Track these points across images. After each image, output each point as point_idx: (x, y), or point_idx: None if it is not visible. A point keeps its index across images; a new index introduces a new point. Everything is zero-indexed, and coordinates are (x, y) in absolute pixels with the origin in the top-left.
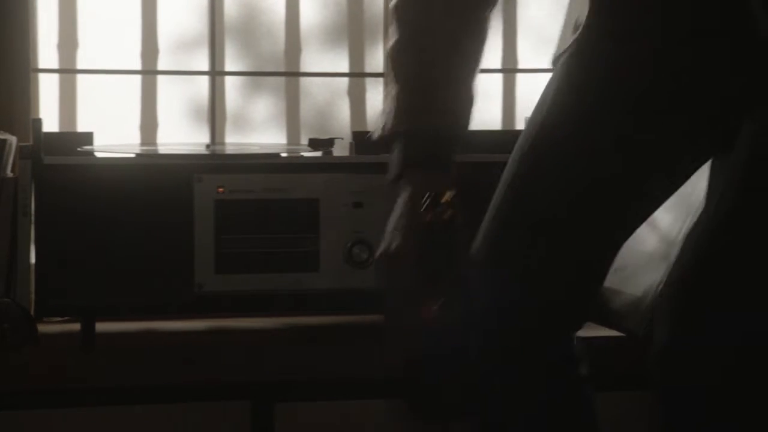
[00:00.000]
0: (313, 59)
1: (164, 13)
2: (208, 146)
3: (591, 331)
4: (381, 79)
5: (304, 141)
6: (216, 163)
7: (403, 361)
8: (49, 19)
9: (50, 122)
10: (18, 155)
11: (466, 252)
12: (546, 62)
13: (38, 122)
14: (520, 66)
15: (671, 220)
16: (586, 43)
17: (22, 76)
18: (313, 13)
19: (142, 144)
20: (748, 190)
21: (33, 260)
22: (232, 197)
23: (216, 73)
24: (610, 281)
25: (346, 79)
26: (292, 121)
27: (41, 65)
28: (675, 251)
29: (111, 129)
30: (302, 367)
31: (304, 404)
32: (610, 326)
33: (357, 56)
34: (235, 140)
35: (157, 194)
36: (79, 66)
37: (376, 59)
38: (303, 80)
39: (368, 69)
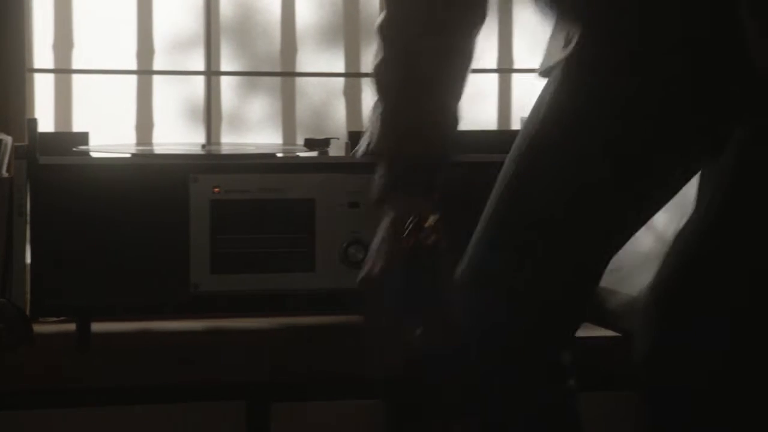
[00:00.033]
0: (308, 59)
1: (160, 13)
2: (203, 146)
3: (587, 331)
4: None
5: (300, 141)
6: (212, 163)
7: (401, 363)
8: (44, 19)
9: (46, 122)
10: (13, 155)
11: (449, 277)
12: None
13: (34, 122)
14: (516, 66)
15: (667, 221)
16: (581, 50)
17: (18, 76)
18: (309, 13)
19: (138, 144)
20: (736, 196)
21: (28, 260)
22: (227, 197)
23: (212, 73)
24: (606, 281)
25: (341, 79)
26: (288, 121)
27: (37, 65)
28: None
29: (106, 129)
30: (298, 367)
31: (300, 404)
32: (606, 326)
33: (353, 56)
34: (231, 140)
35: (152, 194)
36: (75, 66)
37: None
38: (299, 80)
39: (364, 69)
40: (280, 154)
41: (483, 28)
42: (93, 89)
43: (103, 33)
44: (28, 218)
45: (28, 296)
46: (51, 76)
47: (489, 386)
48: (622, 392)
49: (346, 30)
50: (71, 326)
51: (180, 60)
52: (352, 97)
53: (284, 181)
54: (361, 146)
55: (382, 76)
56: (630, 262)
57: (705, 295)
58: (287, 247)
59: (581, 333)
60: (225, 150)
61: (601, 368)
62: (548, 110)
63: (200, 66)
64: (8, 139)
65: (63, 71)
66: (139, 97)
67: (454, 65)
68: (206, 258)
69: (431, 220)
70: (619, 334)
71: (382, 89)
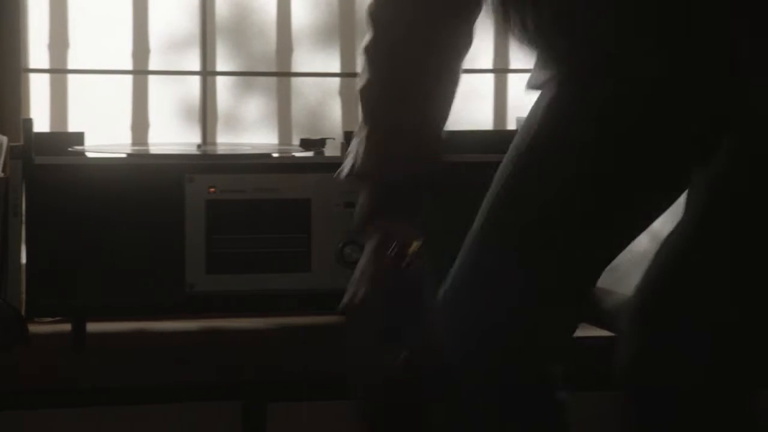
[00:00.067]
0: (304, 59)
1: (155, 13)
2: (199, 146)
3: (583, 330)
4: None
5: (296, 141)
6: (207, 163)
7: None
8: (39, 19)
9: (41, 122)
10: (9, 155)
11: (432, 302)
12: None
13: (29, 122)
14: (512, 66)
15: (664, 221)
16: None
17: (13, 76)
18: (305, 13)
19: (133, 144)
20: (724, 204)
21: (24, 260)
22: (223, 197)
23: (207, 73)
24: (602, 281)
25: (337, 79)
26: (284, 121)
27: (32, 65)
28: None
29: (102, 129)
30: (294, 367)
31: (295, 404)
32: (602, 326)
33: (348, 56)
34: (227, 140)
35: (148, 194)
36: (70, 66)
37: None
38: (294, 80)
39: (360, 69)
40: (275, 154)
41: (467, 52)
42: (88, 89)
43: (99, 33)
44: (24, 218)
45: (24, 296)
46: (46, 76)
47: (488, 390)
48: (618, 392)
49: (341, 30)
50: (66, 326)
51: (175, 60)
52: (348, 97)
53: (280, 181)
54: (345, 167)
55: (368, 97)
56: (626, 262)
57: (691, 297)
58: (283, 247)
59: (578, 333)
60: (220, 150)
61: (597, 368)
62: (544, 111)
63: (196, 66)
64: (3, 139)
65: (58, 71)
66: (135, 97)
67: (442, 88)
68: (202, 258)
69: (414, 245)
70: (615, 334)
71: (367, 110)
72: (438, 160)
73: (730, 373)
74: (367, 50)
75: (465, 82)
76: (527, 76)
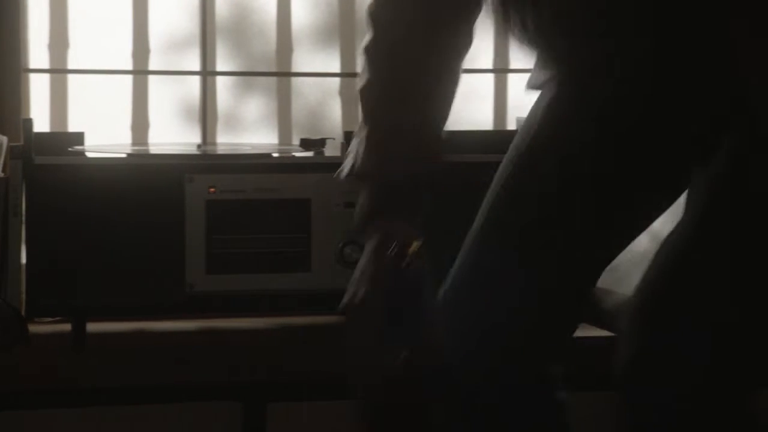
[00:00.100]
0: (304, 59)
1: (155, 13)
2: (199, 146)
3: (583, 330)
4: None
5: (296, 141)
6: (207, 163)
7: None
8: (40, 19)
9: (41, 122)
10: (9, 155)
11: (432, 302)
12: None
13: (29, 122)
14: (512, 66)
15: (664, 221)
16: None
17: (13, 76)
18: (305, 13)
19: (133, 144)
20: (724, 204)
21: (24, 260)
22: (223, 197)
23: (207, 73)
24: (602, 281)
25: (337, 79)
26: (284, 121)
27: (32, 65)
28: None
29: (102, 129)
30: (294, 367)
31: (295, 404)
32: (603, 326)
33: (348, 56)
34: (227, 140)
35: (148, 194)
36: (70, 66)
37: None
38: (294, 80)
39: (360, 69)
40: (275, 154)
41: (468, 51)
42: (88, 89)
43: (99, 33)
44: (24, 218)
45: (24, 296)
46: (46, 76)
47: (488, 390)
48: (617, 393)
49: (341, 30)
50: (67, 326)
51: (175, 60)
52: (348, 97)
53: (280, 181)
54: (345, 168)
55: (368, 97)
56: (626, 262)
57: (691, 297)
58: (283, 247)
59: (578, 333)
60: (220, 150)
61: (596, 368)
62: (544, 111)
63: (196, 66)
64: (3, 139)
65: (58, 71)
66: (135, 97)
67: (442, 88)
68: (202, 258)
69: (414, 245)
70: (615, 334)
71: (367, 110)
72: (438, 160)
73: (730, 374)
74: (367, 50)
75: (465, 82)
76: (527, 76)
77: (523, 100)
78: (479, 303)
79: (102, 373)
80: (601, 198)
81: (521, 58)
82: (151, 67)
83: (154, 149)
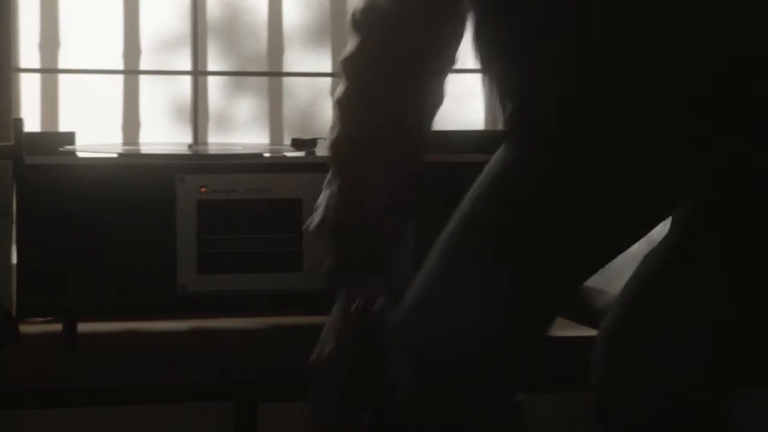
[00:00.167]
0: (296, 59)
1: (146, 12)
2: (190, 146)
3: (574, 330)
4: None
5: (287, 141)
6: (198, 163)
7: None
8: (30, 19)
9: (32, 122)
10: None
11: (396, 360)
12: None
13: (19, 122)
14: None
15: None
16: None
17: (4, 76)
18: (296, 13)
19: (125, 144)
20: (710, 228)
21: (14, 260)
22: (214, 197)
23: (198, 73)
24: (594, 281)
25: (329, 79)
26: (275, 121)
27: (23, 65)
28: None
29: (93, 129)
30: (286, 367)
31: (287, 404)
32: (594, 326)
33: (340, 56)
34: (218, 140)
35: (139, 194)
36: (61, 66)
37: None
38: (286, 80)
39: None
40: (267, 154)
41: (438, 110)
42: (79, 89)
43: (90, 33)
44: (14, 218)
45: (14, 296)
46: (37, 76)
47: (479, 393)
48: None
49: (333, 30)
50: (57, 326)
51: (167, 60)
52: None
53: (271, 181)
54: (314, 220)
55: (339, 150)
56: (618, 261)
57: (663, 322)
58: (274, 247)
59: (570, 333)
60: (212, 150)
61: (587, 368)
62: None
63: (187, 66)
64: None
65: (49, 71)
66: (126, 96)
67: (411, 142)
68: (193, 258)
69: (380, 302)
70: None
71: (338, 162)
72: (409, 211)
73: (729, 374)
74: (339, 102)
75: (457, 82)
76: None
77: None
78: (467, 306)
79: (93, 373)
80: (583, 227)
81: None
82: (142, 66)
83: (145, 149)
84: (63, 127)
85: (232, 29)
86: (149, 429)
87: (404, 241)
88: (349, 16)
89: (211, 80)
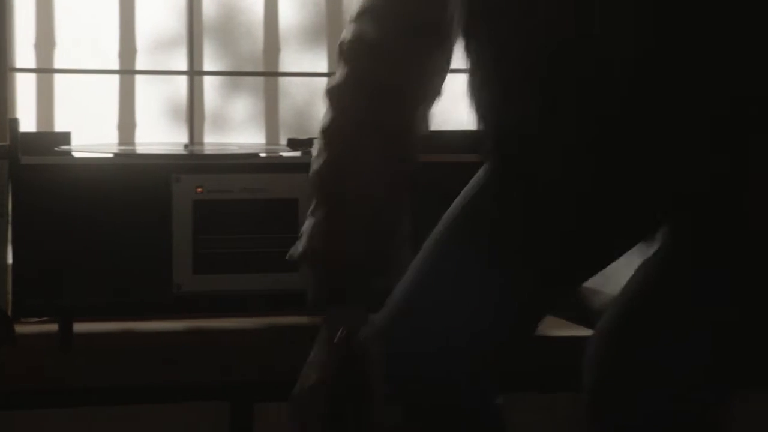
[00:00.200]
0: (291, 59)
1: (142, 12)
2: (186, 146)
3: (570, 330)
4: None
5: (283, 141)
6: (194, 163)
7: None
8: (26, 19)
9: (27, 122)
10: None
11: (379, 393)
12: None
13: (15, 122)
14: None
15: None
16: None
17: None
18: (292, 13)
19: (120, 144)
20: (709, 230)
21: (10, 260)
22: (210, 197)
23: (194, 73)
24: (590, 281)
25: (325, 79)
26: (271, 121)
27: (18, 65)
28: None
29: (89, 129)
30: (282, 367)
31: (283, 404)
32: (590, 326)
33: (336, 56)
34: (214, 140)
35: (135, 194)
36: (57, 65)
37: None
38: (282, 80)
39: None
40: (263, 154)
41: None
42: (75, 89)
43: (85, 32)
44: (10, 218)
45: (10, 296)
46: (33, 76)
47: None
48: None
49: (329, 30)
50: (53, 326)
51: (162, 60)
52: None
53: (267, 181)
54: (297, 249)
55: (324, 180)
56: (615, 263)
57: (650, 335)
58: (270, 247)
59: (566, 333)
60: (208, 150)
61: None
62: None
63: (183, 66)
64: None
65: (45, 71)
66: (122, 96)
67: (398, 171)
68: (189, 258)
69: (362, 332)
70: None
71: (323, 193)
72: (392, 244)
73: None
74: (325, 130)
75: (454, 82)
76: None
77: None
78: (460, 306)
79: (89, 373)
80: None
81: None
82: (138, 66)
83: (141, 149)
84: (59, 127)
85: (228, 29)
86: (145, 429)
87: (393, 268)
88: (345, 16)
89: (207, 80)
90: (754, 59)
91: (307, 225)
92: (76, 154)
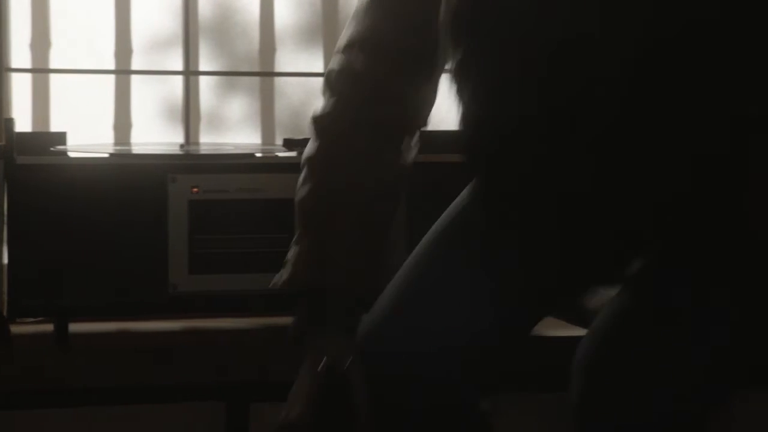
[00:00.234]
0: (287, 59)
1: (138, 12)
2: (182, 146)
3: (567, 330)
4: None
5: (279, 141)
6: (190, 163)
7: None
8: (21, 19)
9: (23, 122)
10: None
11: (364, 421)
12: None
13: (11, 122)
14: None
15: None
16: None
17: None
18: (288, 13)
19: (116, 144)
20: (705, 250)
21: (5, 260)
22: (206, 197)
23: (190, 73)
24: None
25: (320, 79)
26: (267, 121)
27: (14, 65)
28: None
29: (84, 129)
30: (277, 367)
31: (279, 404)
32: (586, 326)
33: (331, 56)
34: (210, 140)
35: (131, 194)
36: (52, 65)
37: None
38: (278, 80)
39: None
40: (259, 154)
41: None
42: (71, 89)
43: (81, 32)
44: (6, 218)
45: (6, 297)
46: (28, 76)
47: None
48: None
49: (324, 30)
50: (49, 326)
51: (158, 60)
52: None
53: (263, 181)
54: (282, 277)
55: (309, 207)
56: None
57: (670, 313)
58: (266, 247)
59: (562, 333)
60: (203, 150)
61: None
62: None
63: (179, 66)
64: None
65: (40, 71)
66: (117, 96)
67: (383, 202)
68: (185, 258)
69: (345, 361)
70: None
71: (308, 221)
72: (376, 274)
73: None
74: (310, 159)
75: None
76: None
77: None
78: (456, 306)
79: (84, 373)
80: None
81: None
82: (134, 66)
83: (136, 149)
84: (54, 127)
85: (224, 29)
86: (141, 428)
87: (375, 292)
88: (340, 16)
89: (203, 80)
90: (755, 59)
91: (291, 254)
92: (71, 154)
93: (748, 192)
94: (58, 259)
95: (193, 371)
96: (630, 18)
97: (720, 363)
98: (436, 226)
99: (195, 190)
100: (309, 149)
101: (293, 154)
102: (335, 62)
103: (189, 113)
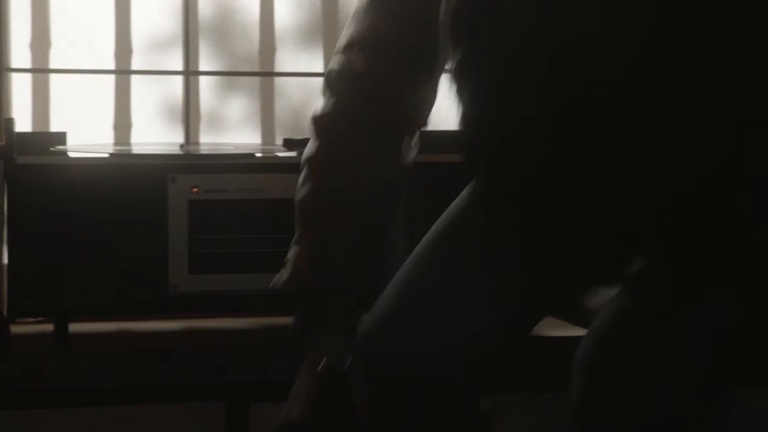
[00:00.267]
0: (287, 59)
1: (138, 12)
2: (182, 146)
3: (567, 330)
4: None
5: (279, 141)
6: (190, 163)
7: None
8: (21, 19)
9: (23, 122)
10: None
11: (364, 421)
12: None
13: (11, 122)
14: None
15: None
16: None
17: None
18: (288, 13)
19: (116, 144)
20: (704, 250)
21: (5, 260)
22: (206, 197)
23: (190, 73)
24: None
25: (320, 79)
26: (267, 121)
27: (14, 65)
28: None
29: (84, 129)
30: (277, 367)
31: (279, 404)
32: (585, 326)
33: (331, 56)
34: (210, 140)
35: (130, 194)
36: (52, 65)
37: None
38: (278, 80)
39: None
40: (258, 154)
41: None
42: (71, 89)
43: (81, 32)
44: (5, 218)
45: (6, 297)
46: (28, 76)
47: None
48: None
49: (324, 30)
50: (49, 327)
51: (158, 60)
52: None
53: (263, 181)
54: (282, 277)
55: (309, 207)
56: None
57: (669, 313)
58: (266, 247)
59: (562, 333)
60: (203, 150)
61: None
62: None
63: (179, 66)
64: None
65: (40, 71)
66: (117, 96)
67: (384, 203)
68: (185, 258)
69: (345, 361)
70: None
71: (308, 221)
72: (375, 275)
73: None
74: (310, 159)
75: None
76: None
77: None
78: (457, 306)
79: (84, 373)
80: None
81: None
82: (134, 66)
83: (136, 149)
84: (54, 127)
85: (224, 29)
86: (141, 428)
87: (376, 291)
88: (340, 16)
89: (203, 80)
90: (755, 59)
91: (291, 254)
92: (71, 154)
93: (748, 192)
94: (58, 259)
95: (193, 371)
96: (630, 18)
97: (720, 363)
98: (436, 226)
99: (195, 190)
100: (309, 149)
101: (293, 154)
102: (335, 62)
103: (189, 113)
